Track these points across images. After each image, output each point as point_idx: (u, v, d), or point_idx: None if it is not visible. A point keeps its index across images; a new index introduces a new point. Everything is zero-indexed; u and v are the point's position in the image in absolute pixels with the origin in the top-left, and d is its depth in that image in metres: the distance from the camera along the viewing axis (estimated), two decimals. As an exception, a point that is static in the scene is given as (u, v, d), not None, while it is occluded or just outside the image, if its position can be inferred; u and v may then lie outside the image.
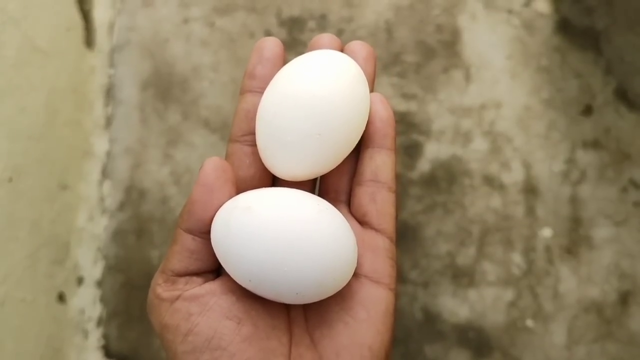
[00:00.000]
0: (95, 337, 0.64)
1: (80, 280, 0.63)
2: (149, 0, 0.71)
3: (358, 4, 0.69)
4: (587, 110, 0.65)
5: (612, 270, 0.62)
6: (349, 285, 0.28)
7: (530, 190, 0.64)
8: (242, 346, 0.25)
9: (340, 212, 0.29)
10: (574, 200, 0.63)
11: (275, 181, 0.30)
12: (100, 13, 0.69)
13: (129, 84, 0.69)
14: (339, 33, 0.69)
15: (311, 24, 0.70)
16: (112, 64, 0.70)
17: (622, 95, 0.65)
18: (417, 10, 0.69)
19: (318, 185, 0.30)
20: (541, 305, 0.62)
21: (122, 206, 0.67)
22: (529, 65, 0.67)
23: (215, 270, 0.28)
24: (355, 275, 0.28)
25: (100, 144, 0.67)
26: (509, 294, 0.62)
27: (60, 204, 0.60)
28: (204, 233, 0.27)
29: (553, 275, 0.62)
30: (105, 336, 0.64)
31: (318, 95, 0.27)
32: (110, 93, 0.69)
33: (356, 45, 0.30)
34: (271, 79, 0.29)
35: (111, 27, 0.70)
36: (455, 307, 0.62)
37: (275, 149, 0.27)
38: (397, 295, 0.29)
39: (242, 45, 0.70)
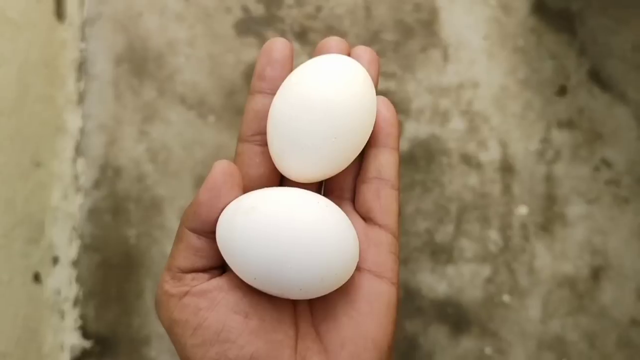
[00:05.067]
0: (72, 318, 0.62)
1: (55, 260, 0.62)
2: (122, -28, 0.69)
3: (337, -19, 0.69)
4: (562, 91, 0.67)
5: (584, 247, 0.64)
6: (353, 280, 0.29)
7: (506, 168, 0.65)
8: (249, 338, 0.26)
9: (345, 209, 0.30)
10: (549, 179, 0.65)
11: (283, 180, 0.31)
12: (71, -16, 0.66)
13: (102, 59, 0.67)
14: (317, 10, 0.68)
15: (289, 0, 0.69)
16: (83, 38, 0.68)
17: (596, 77, 0.67)
18: (396, -11, 0.69)
19: (324, 184, 0.32)
20: (517, 281, 0.63)
21: (97, 184, 0.65)
22: (505, 46, 0.68)
23: (220, 267, 0.29)
24: (359, 269, 0.29)
25: (73, 120, 0.65)
26: (486, 270, 0.63)
27: (34, 182, 0.59)
28: (209, 233, 0.27)
29: (528, 252, 0.64)
30: (82, 317, 0.63)
31: (334, 100, 0.28)
32: (82, 68, 0.67)
33: (360, 49, 0.32)
34: (281, 80, 0.30)
35: (82, -1, 0.68)
36: (434, 283, 0.63)
37: (291, 152, 0.28)
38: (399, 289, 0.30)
39: (218, 20, 0.68)
